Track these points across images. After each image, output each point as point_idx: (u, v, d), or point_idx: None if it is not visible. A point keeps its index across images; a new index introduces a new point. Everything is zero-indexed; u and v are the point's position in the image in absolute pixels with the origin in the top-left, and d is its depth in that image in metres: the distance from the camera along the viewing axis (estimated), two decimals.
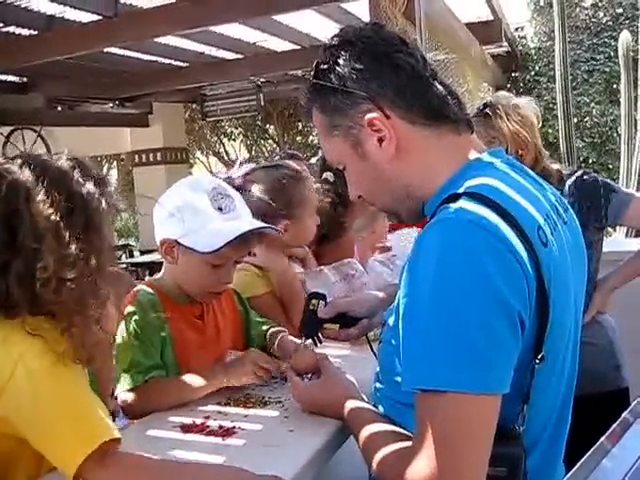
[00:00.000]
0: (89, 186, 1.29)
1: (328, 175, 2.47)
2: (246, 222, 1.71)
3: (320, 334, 1.65)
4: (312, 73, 1.22)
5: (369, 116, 1.15)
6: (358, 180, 1.25)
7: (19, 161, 1.29)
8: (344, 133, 1.19)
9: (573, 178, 2.35)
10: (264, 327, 1.94)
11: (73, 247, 1.23)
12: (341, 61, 1.17)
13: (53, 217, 1.23)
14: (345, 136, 1.19)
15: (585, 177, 2.35)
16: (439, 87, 1.19)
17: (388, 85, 1.15)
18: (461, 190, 1.09)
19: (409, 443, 1.04)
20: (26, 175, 1.25)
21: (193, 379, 1.62)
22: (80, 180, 1.29)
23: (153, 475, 1.23)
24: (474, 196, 1.06)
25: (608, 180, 2.42)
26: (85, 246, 1.24)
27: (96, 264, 1.26)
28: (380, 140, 1.16)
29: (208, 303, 1.81)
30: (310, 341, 1.63)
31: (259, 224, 1.74)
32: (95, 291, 1.26)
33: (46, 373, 1.17)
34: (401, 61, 1.16)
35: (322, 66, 1.20)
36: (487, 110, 2.38)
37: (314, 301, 1.64)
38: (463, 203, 1.05)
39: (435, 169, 1.18)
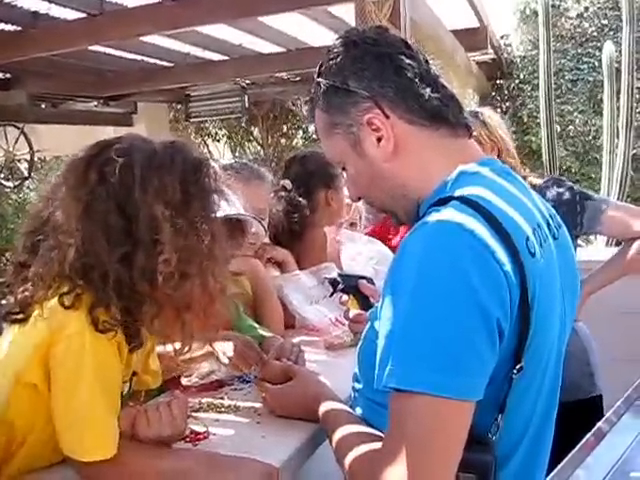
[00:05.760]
0: (202, 172, 1.24)
1: (286, 183, 2.47)
2: (233, 210, 1.74)
3: (348, 291, 1.97)
4: (316, 73, 1.23)
5: (368, 115, 1.16)
6: (357, 179, 1.26)
7: (127, 144, 1.21)
8: (344, 131, 1.20)
9: (548, 185, 2.36)
10: (257, 332, 1.94)
11: (192, 239, 1.18)
12: (344, 61, 1.19)
13: (170, 206, 1.17)
14: (345, 134, 1.20)
15: (560, 185, 2.36)
16: (440, 90, 1.20)
17: (389, 85, 1.16)
18: (450, 194, 1.09)
19: (380, 445, 1.03)
20: (138, 159, 1.19)
21: None
22: (195, 165, 1.23)
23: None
24: (463, 201, 1.06)
25: (583, 189, 2.42)
26: (203, 238, 1.20)
27: (213, 257, 1.21)
28: (379, 139, 1.17)
29: None
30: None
31: (243, 212, 1.80)
32: (208, 286, 1.22)
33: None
34: (403, 63, 1.17)
35: (325, 65, 1.22)
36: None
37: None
38: (451, 207, 1.05)
39: (431, 170, 1.18)
